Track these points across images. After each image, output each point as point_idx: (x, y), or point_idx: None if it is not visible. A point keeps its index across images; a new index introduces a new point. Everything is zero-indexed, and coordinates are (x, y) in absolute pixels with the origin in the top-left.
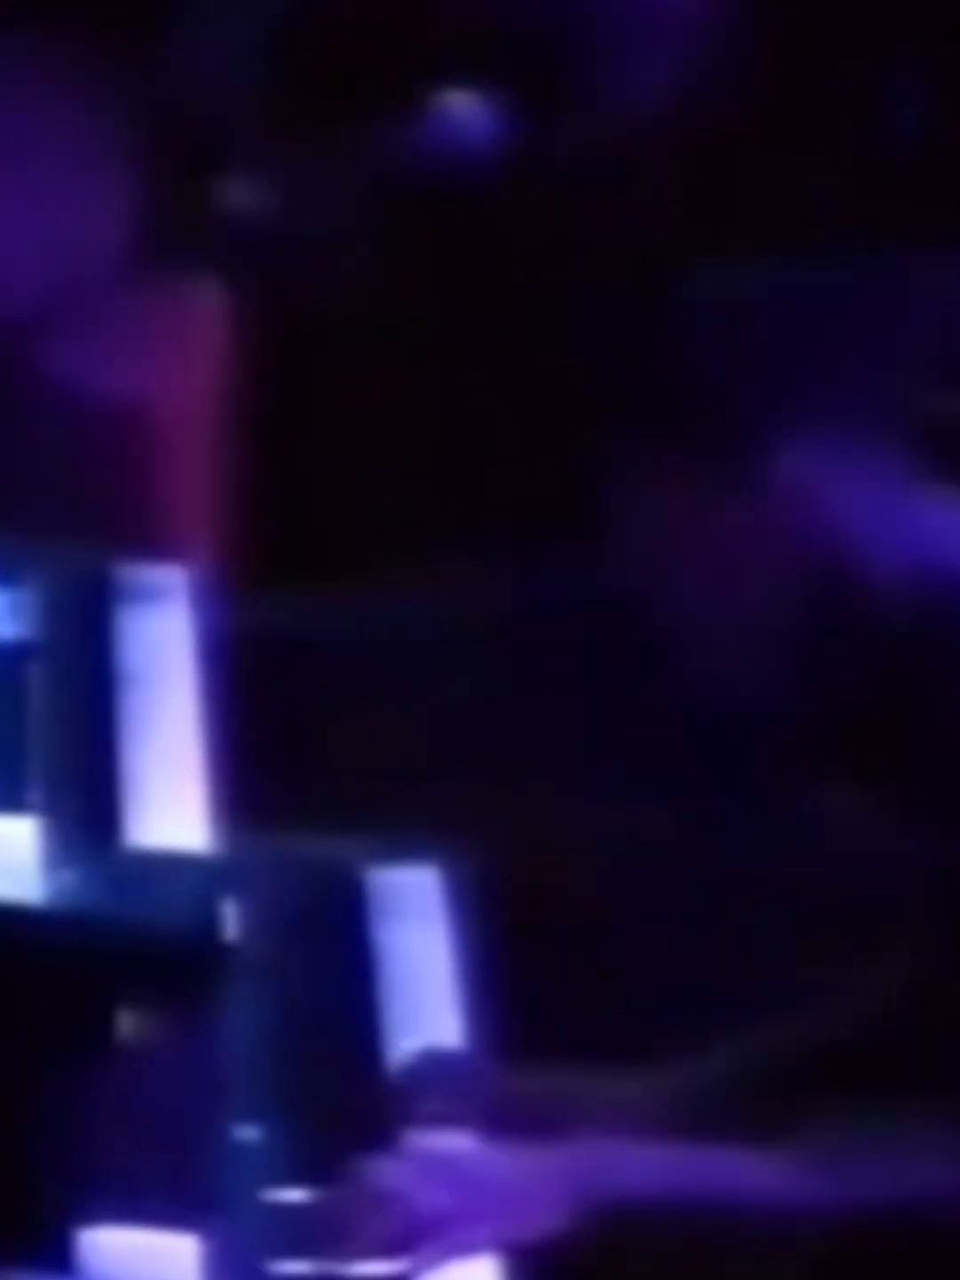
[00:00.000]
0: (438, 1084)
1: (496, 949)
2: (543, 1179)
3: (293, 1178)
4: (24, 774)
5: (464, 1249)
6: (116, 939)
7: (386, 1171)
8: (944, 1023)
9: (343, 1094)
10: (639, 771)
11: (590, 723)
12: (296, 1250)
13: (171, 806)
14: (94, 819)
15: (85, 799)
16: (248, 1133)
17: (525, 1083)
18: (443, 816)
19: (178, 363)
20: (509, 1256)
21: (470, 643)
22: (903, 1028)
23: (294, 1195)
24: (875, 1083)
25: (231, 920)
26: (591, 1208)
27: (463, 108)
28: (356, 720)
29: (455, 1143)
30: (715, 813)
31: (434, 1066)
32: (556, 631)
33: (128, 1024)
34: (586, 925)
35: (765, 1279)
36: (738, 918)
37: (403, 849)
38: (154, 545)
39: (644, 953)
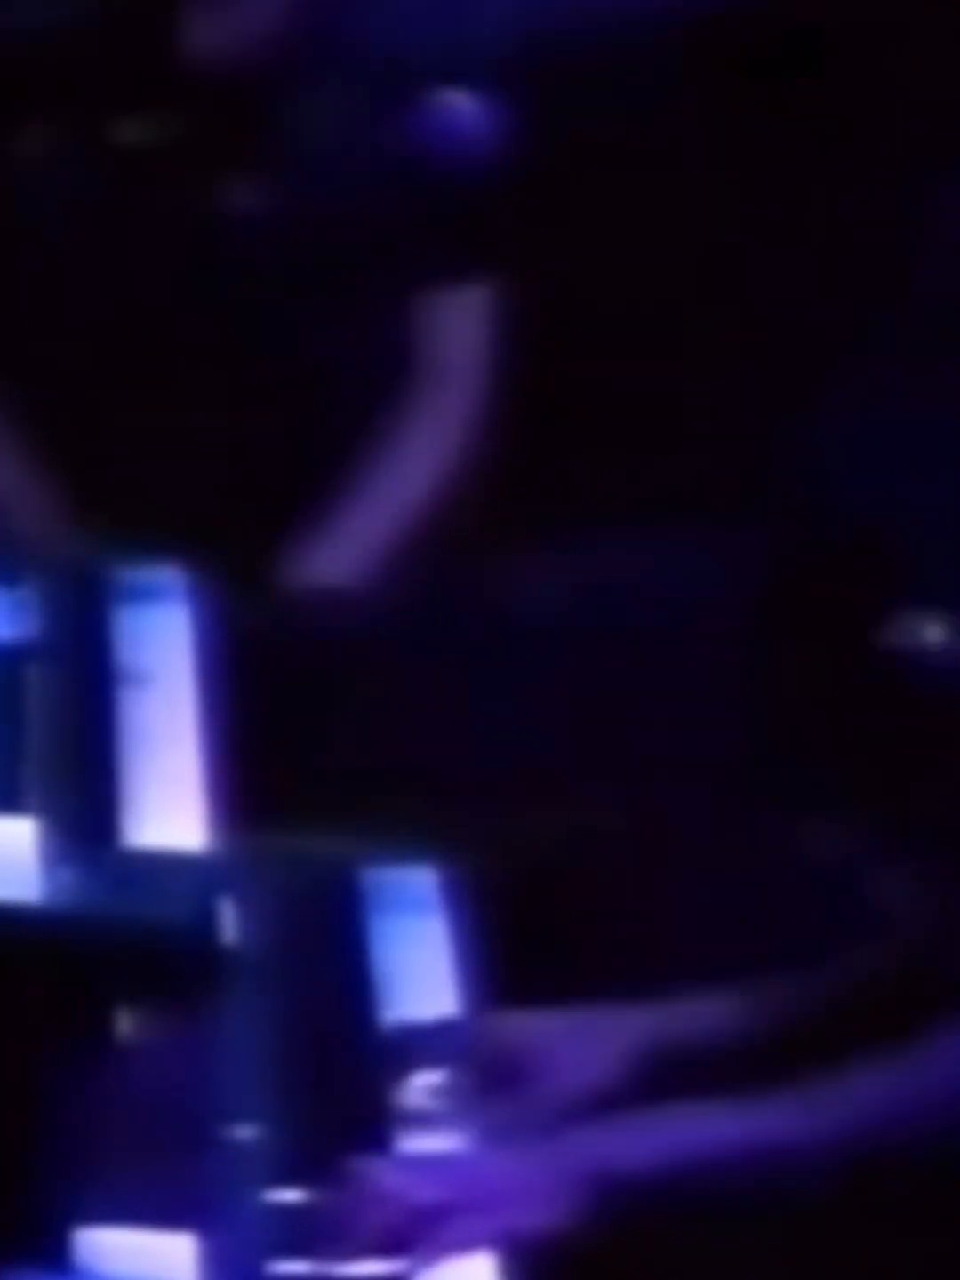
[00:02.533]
0: (428, 1048)
1: (494, 948)
2: (540, 1174)
3: (290, 1178)
4: (22, 774)
5: (461, 1247)
6: (114, 938)
7: (382, 1171)
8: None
9: (340, 1094)
10: (632, 770)
11: (583, 722)
12: (294, 1250)
13: (169, 806)
14: (92, 819)
15: (83, 799)
16: (245, 1132)
17: (511, 1033)
18: (440, 816)
19: None
20: (507, 1254)
21: (469, 642)
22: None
23: (292, 1195)
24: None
25: (229, 920)
26: (590, 1200)
27: (462, 107)
28: (355, 720)
29: (451, 1141)
30: (707, 812)
31: (423, 1032)
32: (552, 632)
33: (126, 1023)
34: (584, 924)
35: (764, 1274)
36: (734, 910)
37: (400, 848)
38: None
39: (642, 949)
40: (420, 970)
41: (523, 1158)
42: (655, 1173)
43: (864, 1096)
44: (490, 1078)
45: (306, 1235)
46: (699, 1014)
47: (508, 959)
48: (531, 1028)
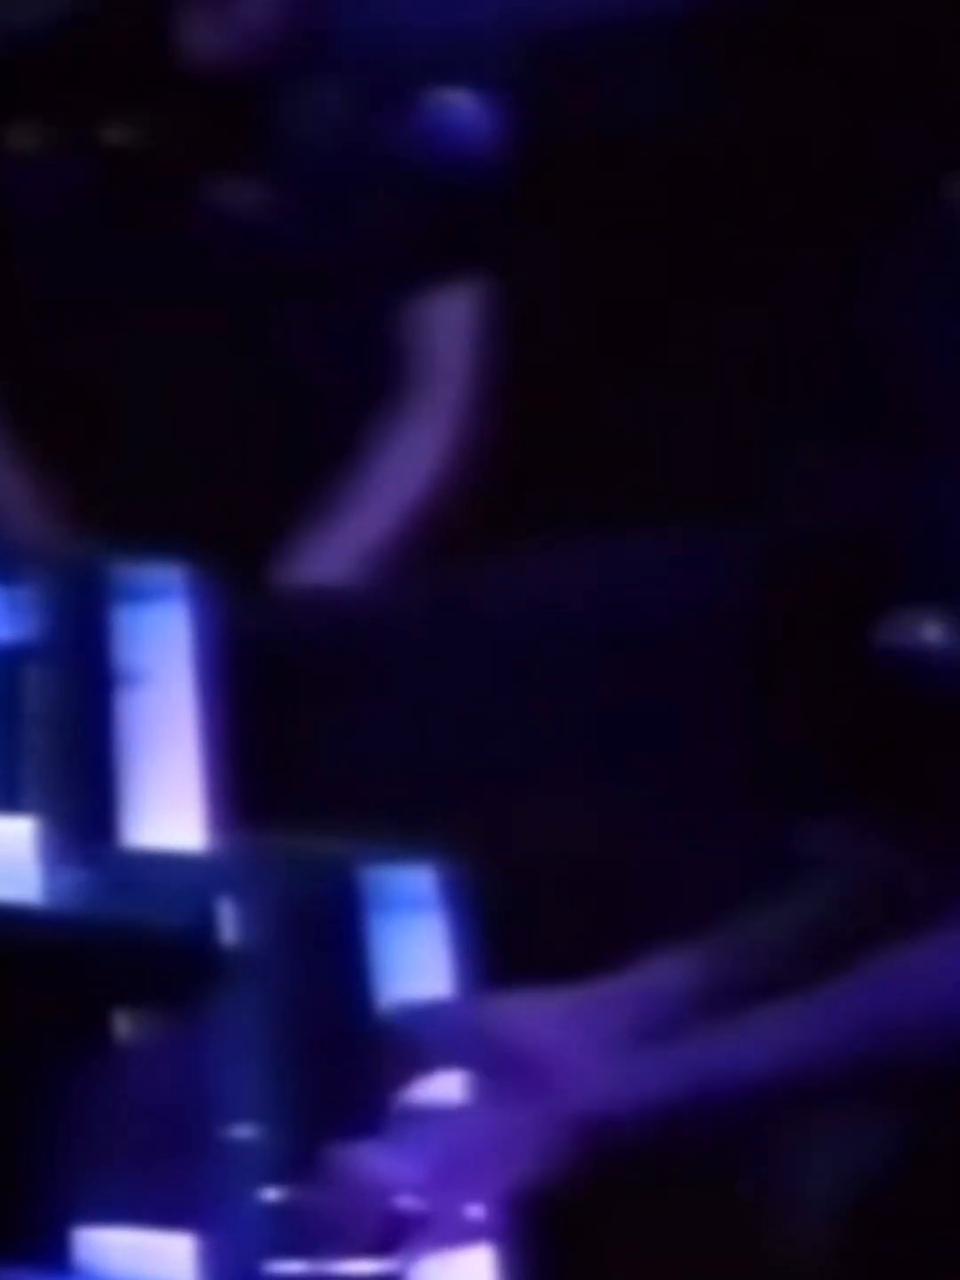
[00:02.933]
0: (429, 1032)
1: (493, 948)
2: (526, 1121)
3: (290, 1177)
4: (22, 774)
5: (456, 1239)
6: (114, 939)
7: (366, 1156)
8: None
9: (340, 1093)
10: (629, 772)
11: (583, 723)
12: (293, 1249)
13: (169, 806)
14: (91, 819)
15: (82, 799)
16: (245, 1132)
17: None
18: (439, 815)
19: None
20: (504, 1251)
21: (467, 642)
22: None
23: (290, 1194)
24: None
25: (228, 920)
26: (579, 1144)
27: (459, 106)
28: (353, 719)
29: (429, 1112)
30: (705, 813)
31: (422, 1015)
32: (550, 631)
33: (125, 1024)
34: (581, 923)
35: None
36: (734, 910)
37: (400, 848)
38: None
39: (641, 948)
40: (419, 969)
41: (505, 1109)
42: (640, 1113)
43: (839, 1020)
44: (492, 1069)
45: (305, 1235)
46: (686, 971)
47: (507, 959)
48: (529, 1014)
